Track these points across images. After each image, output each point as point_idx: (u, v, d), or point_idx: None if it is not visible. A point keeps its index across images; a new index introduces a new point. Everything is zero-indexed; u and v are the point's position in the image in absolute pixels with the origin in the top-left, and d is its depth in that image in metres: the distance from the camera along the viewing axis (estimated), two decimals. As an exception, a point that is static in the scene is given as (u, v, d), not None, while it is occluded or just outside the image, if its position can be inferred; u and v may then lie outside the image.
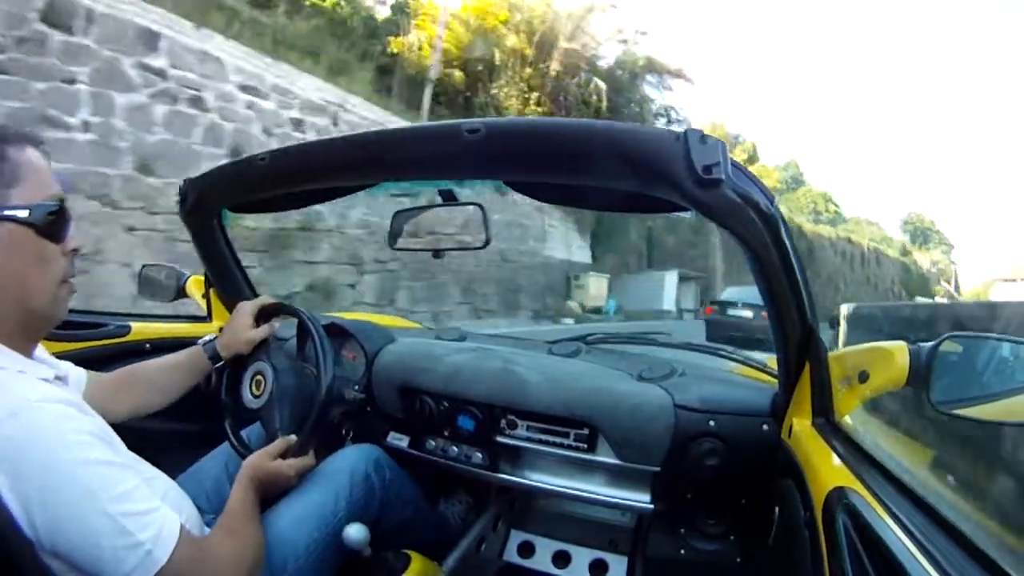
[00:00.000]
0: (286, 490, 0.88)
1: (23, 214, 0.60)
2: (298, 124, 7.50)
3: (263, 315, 1.04)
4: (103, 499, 0.56)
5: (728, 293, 11.43)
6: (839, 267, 29.69)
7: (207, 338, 1.00)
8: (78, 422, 0.58)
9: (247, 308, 1.03)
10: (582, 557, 1.26)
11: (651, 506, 1.01)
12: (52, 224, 0.63)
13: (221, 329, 1.03)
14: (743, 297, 10.07)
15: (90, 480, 0.56)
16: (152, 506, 0.60)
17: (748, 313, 9.60)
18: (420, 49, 12.78)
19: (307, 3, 10.77)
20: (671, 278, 18.10)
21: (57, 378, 0.68)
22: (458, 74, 13.42)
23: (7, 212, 0.59)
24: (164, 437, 0.97)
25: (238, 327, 1.00)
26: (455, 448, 1.15)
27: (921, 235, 51.93)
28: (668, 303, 17.59)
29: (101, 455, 0.58)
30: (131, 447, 0.71)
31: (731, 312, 10.06)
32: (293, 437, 0.90)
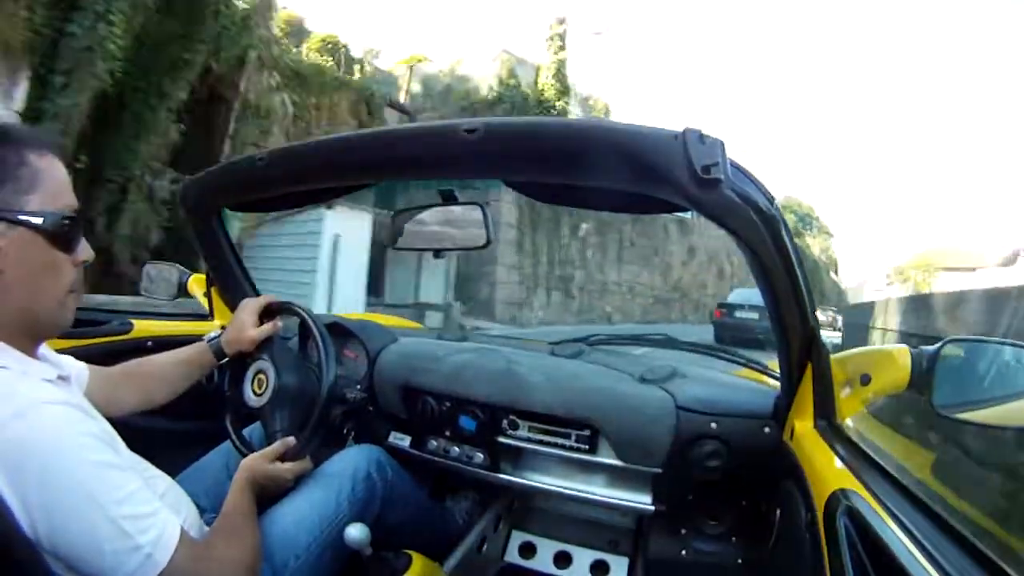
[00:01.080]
0: (283, 492, 0.88)
1: (37, 221, 0.60)
2: None
3: (267, 313, 1.04)
4: (104, 502, 0.56)
5: (734, 296, 11.82)
6: (723, 244, 19.86)
7: (212, 334, 1.01)
8: (80, 425, 0.58)
9: (251, 305, 1.03)
10: (583, 558, 1.26)
11: (652, 507, 1.00)
12: (65, 234, 0.63)
13: (224, 327, 1.03)
14: (749, 299, 10.56)
15: (92, 483, 0.56)
16: (153, 509, 0.60)
17: (755, 315, 10.19)
18: None
19: None
20: (336, 226, 7.59)
21: (60, 377, 0.68)
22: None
23: (21, 217, 0.59)
24: (165, 435, 0.97)
25: (242, 324, 1.00)
26: (456, 448, 1.15)
27: (800, 220, 46.86)
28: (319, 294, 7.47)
29: (103, 458, 0.58)
30: (131, 445, 0.71)
31: (738, 314, 10.68)
32: (292, 439, 0.90)
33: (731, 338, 9.86)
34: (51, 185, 0.62)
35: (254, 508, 0.81)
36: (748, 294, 11.01)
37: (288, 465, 0.88)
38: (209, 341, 0.99)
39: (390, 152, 0.81)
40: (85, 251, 0.67)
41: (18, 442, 0.54)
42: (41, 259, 0.62)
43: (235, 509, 0.78)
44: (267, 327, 1.02)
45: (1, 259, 0.59)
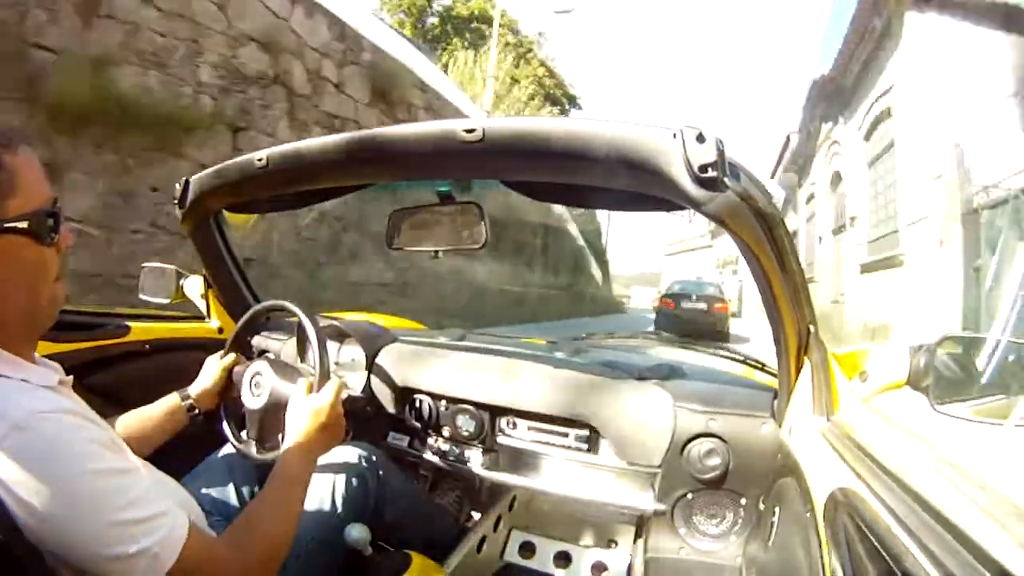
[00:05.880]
0: (338, 426, 0.87)
1: (23, 225, 0.59)
2: None
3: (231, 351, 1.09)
4: (110, 509, 0.56)
5: (679, 286, 11.55)
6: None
7: (186, 392, 1.02)
8: (83, 432, 0.58)
9: (215, 359, 1.07)
10: (583, 557, 1.26)
11: (651, 506, 1.00)
12: (49, 229, 0.62)
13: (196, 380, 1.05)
14: (697, 290, 10.80)
15: (97, 491, 0.56)
16: (159, 509, 0.60)
17: (702, 305, 10.32)
18: None
19: None
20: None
21: (60, 382, 0.67)
22: None
23: (7, 225, 0.58)
24: (169, 438, 0.97)
25: (209, 383, 1.04)
26: (455, 448, 1.15)
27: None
28: None
29: (108, 464, 0.58)
30: None
31: (685, 305, 10.55)
32: (314, 378, 0.91)
33: (673, 328, 8.99)
34: (29, 183, 0.60)
35: (299, 482, 0.77)
36: (692, 285, 11.35)
37: (326, 389, 0.88)
38: (183, 399, 1.01)
39: (389, 153, 0.81)
40: (67, 237, 0.66)
41: (21, 454, 0.53)
42: (30, 260, 0.60)
43: (269, 494, 0.74)
44: (228, 359, 1.06)
45: None
